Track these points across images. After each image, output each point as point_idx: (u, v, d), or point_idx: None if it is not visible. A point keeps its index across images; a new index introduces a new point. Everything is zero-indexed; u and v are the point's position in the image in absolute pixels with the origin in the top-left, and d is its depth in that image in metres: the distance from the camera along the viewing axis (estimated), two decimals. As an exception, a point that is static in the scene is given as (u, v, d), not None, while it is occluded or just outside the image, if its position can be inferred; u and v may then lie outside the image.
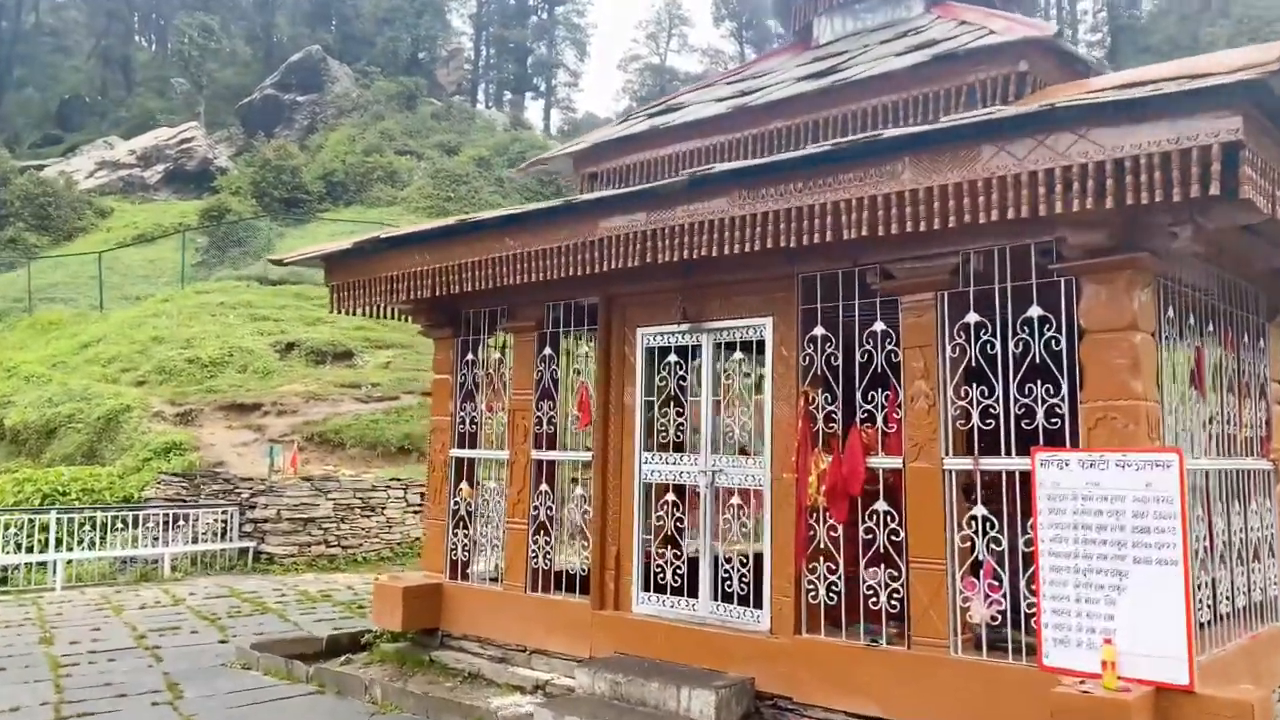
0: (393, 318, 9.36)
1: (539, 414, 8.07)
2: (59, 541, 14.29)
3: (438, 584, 8.52)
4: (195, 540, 15.35)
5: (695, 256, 6.17)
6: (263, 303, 26.96)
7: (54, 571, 13.79)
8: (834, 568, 6.24)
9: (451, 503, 8.64)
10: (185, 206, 42.85)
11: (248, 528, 15.82)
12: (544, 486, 7.99)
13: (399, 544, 16.84)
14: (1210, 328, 6.32)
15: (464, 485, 8.58)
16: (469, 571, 8.60)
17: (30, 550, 14.23)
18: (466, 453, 8.71)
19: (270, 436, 19.65)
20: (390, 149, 46.56)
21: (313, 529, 15.70)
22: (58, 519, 14.29)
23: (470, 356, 8.70)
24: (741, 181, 5.90)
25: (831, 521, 6.25)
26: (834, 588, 6.24)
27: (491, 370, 8.59)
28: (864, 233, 5.45)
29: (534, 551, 7.97)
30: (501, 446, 8.40)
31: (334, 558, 15.87)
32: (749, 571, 6.76)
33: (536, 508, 8.00)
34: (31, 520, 14.28)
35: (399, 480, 17.08)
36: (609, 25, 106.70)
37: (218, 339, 23.80)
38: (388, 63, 58.94)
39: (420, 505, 17.03)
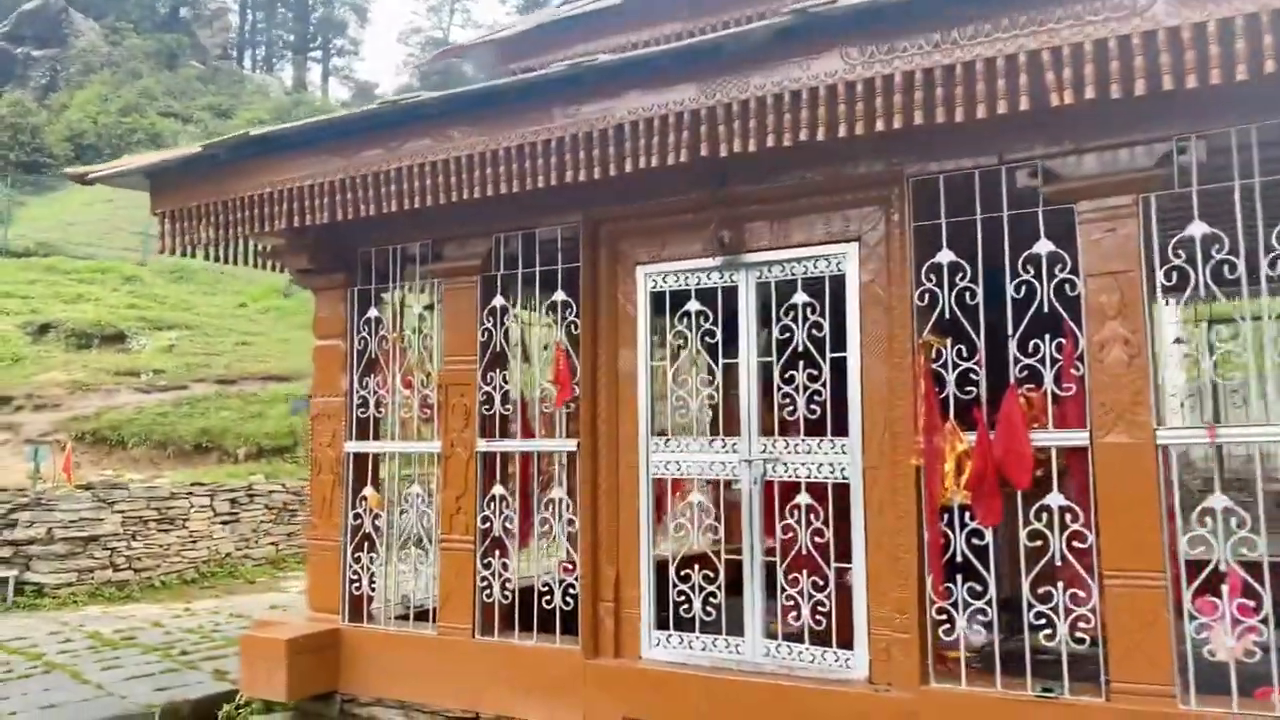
0: (248, 261, 6.74)
1: (487, 389, 5.81)
2: None
3: (333, 630, 6.09)
4: (-69, 572, 11.78)
5: (782, 145, 4.19)
6: (7, 278, 22.50)
7: None
8: (980, 589, 4.42)
9: (349, 516, 6.22)
10: (-108, 170, 36.21)
11: (4, 552, 12.34)
12: (497, 489, 5.75)
13: (206, 562, 13.78)
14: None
15: (369, 491, 6.18)
16: (373, 610, 6.24)
17: None
18: (370, 446, 6.30)
19: (27, 436, 15.93)
20: (152, 110, 41.23)
21: (96, 549, 12.44)
22: None
23: (373, 313, 6.29)
24: (872, 27, 3.96)
25: (973, 525, 4.43)
26: (980, 617, 4.44)
27: (407, 331, 6.23)
28: (1075, 97, 3.65)
29: (485, 580, 5.72)
30: (427, 436, 6.08)
31: (124, 584, 12.67)
32: (828, 598, 4.86)
33: (487, 519, 5.75)
34: None
35: (203, 485, 13.99)
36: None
37: (-54, 319, 19.44)
38: (143, 18, 52.74)
39: (231, 515, 14.09)
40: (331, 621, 6.17)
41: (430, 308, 6.13)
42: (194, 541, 13.66)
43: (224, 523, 14.09)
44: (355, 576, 6.18)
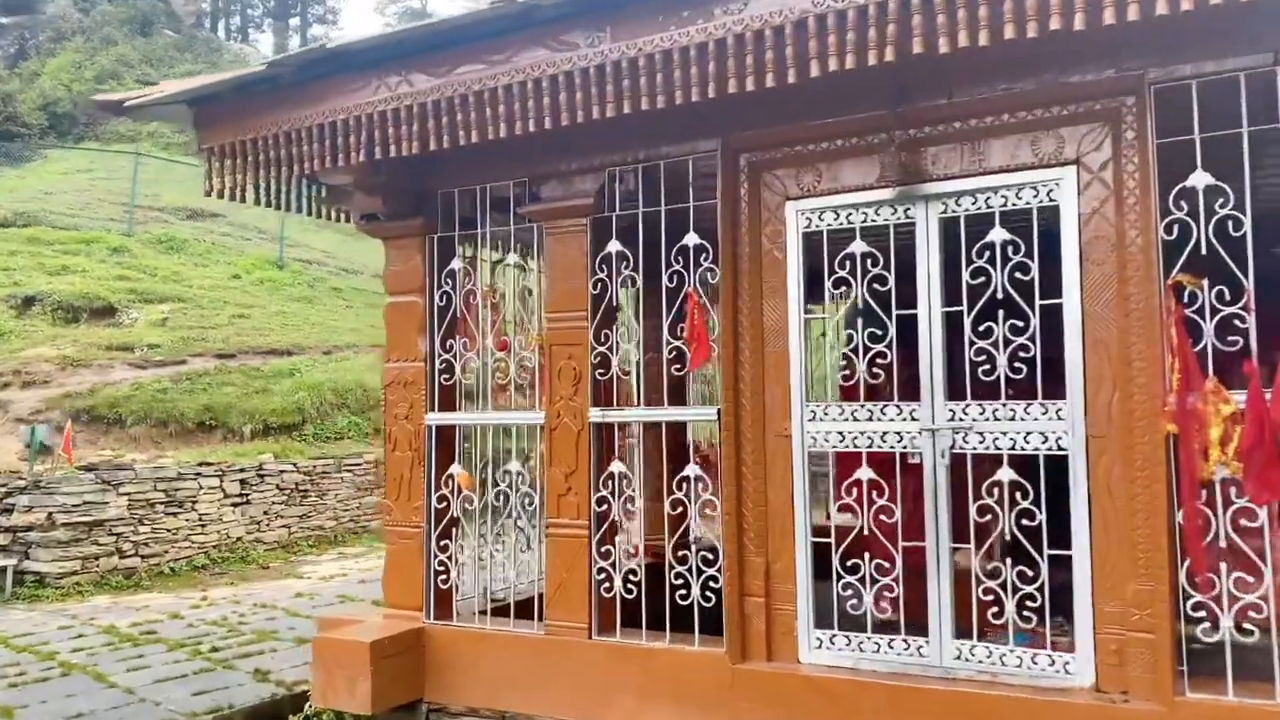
0: (302, 208, 5.84)
1: (601, 349, 4.98)
2: None
3: (416, 629, 5.26)
4: (-79, 562, 10.85)
5: (1002, 40, 3.37)
6: (-16, 248, 21.30)
7: None
8: (1254, 581, 3.66)
9: (433, 498, 5.38)
10: None
11: (1, 539, 11.41)
12: (615, 465, 4.93)
13: (216, 547, 12.90)
14: None
15: (457, 469, 5.34)
16: (460, 606, 5.42)
17: None
18: (456, 418, 5.46)
19: (16, 415, 14.94)
20: (129, 77, 39.69)
21: (101, 535, 11.53)
22: None
23: (456, 264, 5.42)
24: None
25: (1241, 503, 3.66)
26: (1253, 613, 3.67)
27: (499, 284, 5.37)
28: None
29: (603, 570, 4.92)
30: (528, 405, 5.25)
31: (132, 571, 11.78)
32: (1039, 592, 4.08)
33: (604, 500, 4.93)
34: None
35: (211, 465, 13.08)
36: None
37: (-77, 292, 18.31)
38: (114, -17, 50.89)
39: (241, 497, 13.20)
40: (413, 619, 5.34)
41: (527, 256, 5.28)
42: (203, 525, 12.78)
43: (234, 505, 13.21)
44: (441, 567, 5.35)
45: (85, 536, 11.35)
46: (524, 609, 5.20)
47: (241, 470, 13.37)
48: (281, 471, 13.98)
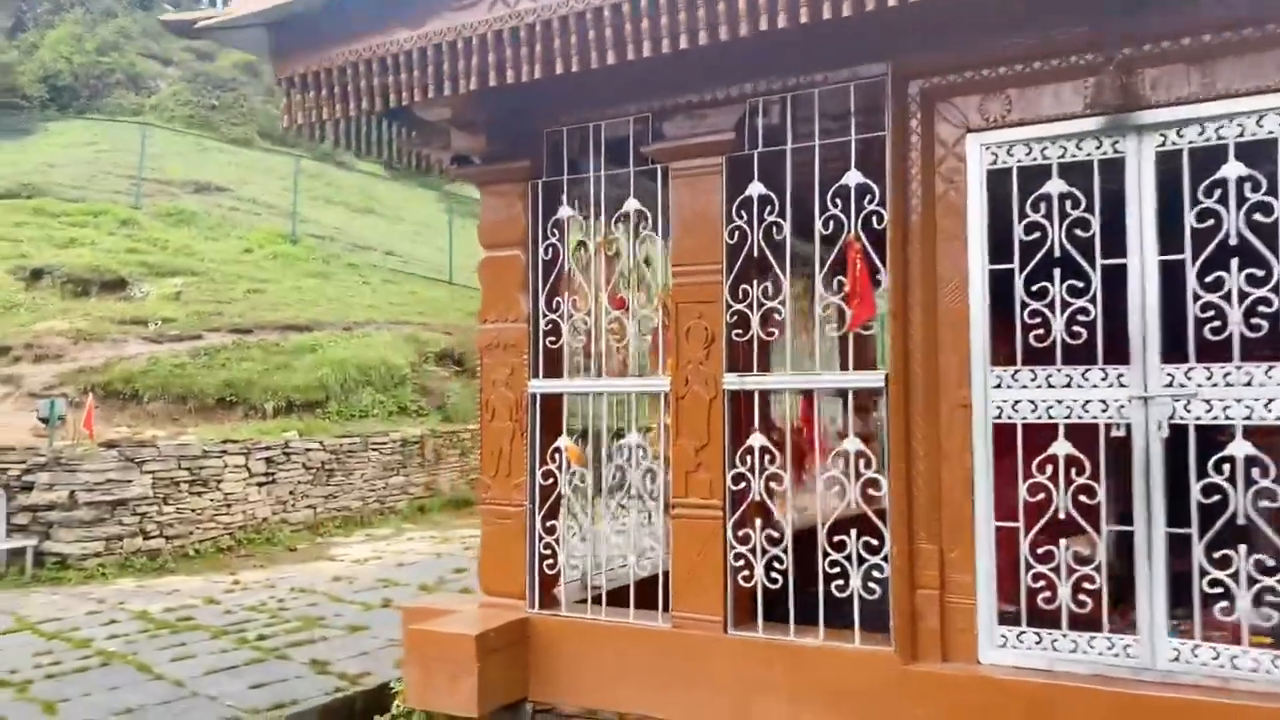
0: (382, 151, 5.20)
1: (738, 307, 4.38)
2: None
3: (520, 620, 4.68)
4: (-65, 543, 10.25)
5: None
6: (-12, 219, 20.62)
7: None
8: None
9: (537, 474, 4.79)
10: None
11: (21, 519, 10.81)
12: (755, 438, 4.34)
13: (242, 528, 12.32)
14: None
15: (566, 443, 4.74)
16: (559, 593, 4.84)
17: None
18: (565, 385, 4.86)
19: (29, 390, 14.33)
20: (131, 49, 38.87)
21: (124, 515, 10.93)
22: None
23: (564, 212, 4.81)
24: None
25: None
26: None
27: (616, 234, 4.75)
28: None
29: (740, 557, 4.34)
30: (649, 370, 4.67)
31: (156, 553, 11.18)
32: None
33: (741, 477, 4.35)
34: None
35: (236, 443, 12.47)
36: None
37: (-73, 263, 17.64)
38: (113, -44, 49.90)
39: (266, 476, 12.60)
40: (513, 609, 4.76)
41: (647, 203, 4.67)
42: (228, 505, 12.19)
43: (259, 484, 12.61)
44: (547, 551, 4.76)
45: (109, 516, 10.75)
46: (619, 597, 4.63)
47: (267, 448, 12.78)
48: (307, 450, 13.39)
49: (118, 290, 18.49)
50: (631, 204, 4.63)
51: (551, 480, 4.77)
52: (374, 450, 14.47)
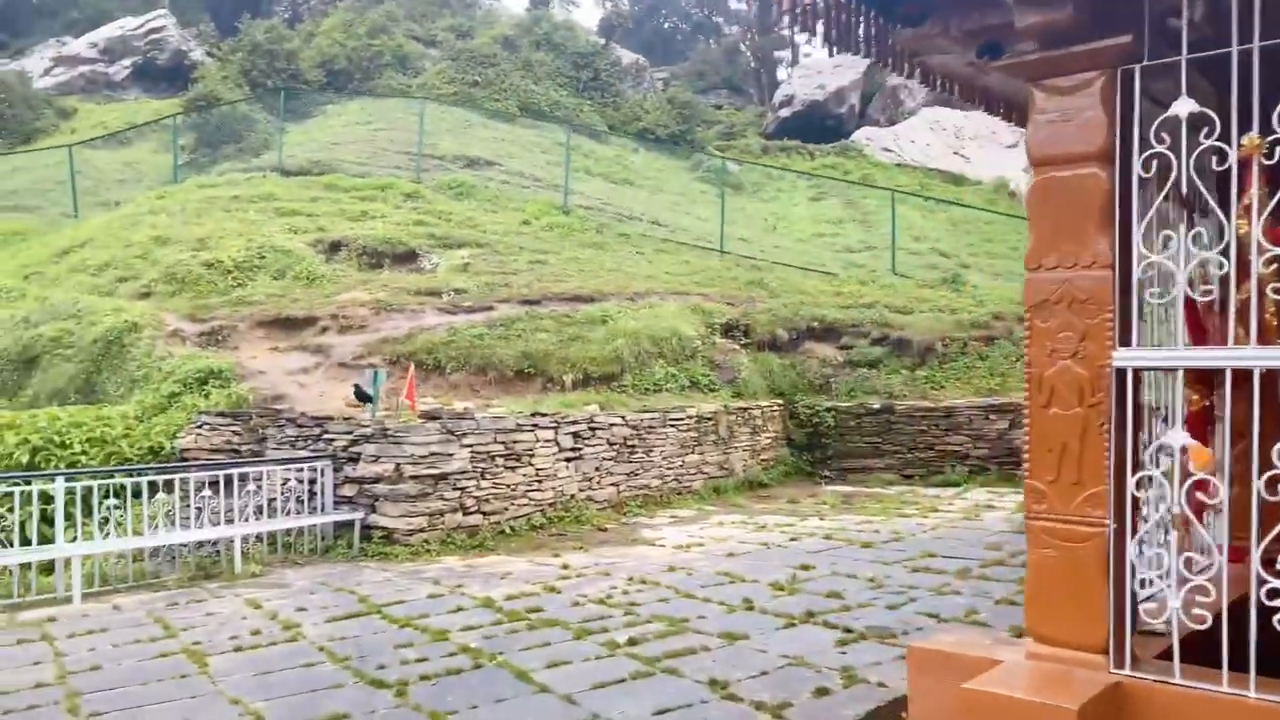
0: (867, 50, 4.05)
1: None
2: (68, 521, 9.09)
3: (1113, 687, 3.41)
4: (270, 512, 10.18)
5: None
6: (288, 195, 21.45)
7: (66, 572, 8.60)
8: None
9: (1129, 483, 3.49)
10: (160, 105, 36.86)
11: (348, 490, 10.65)
12: None
13: (552, 505, 11.78)
14: None
15: (1188, 442, 3.41)
16: (1170, 651, 3.54)
17: (26, 540, 8.98)
18: (1177, 356, 3.56)
19: (339, 359, 14.45)
20: (399, 32, 40.32)
21: (445, 489, 10.56)
22: (67, 488, 9.03)
23: (1182, 108, 3.42)
24: None
25: None
26: None
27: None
28: None
29: None
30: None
31: (476, 530, 10.77)
32: None
33: None
34: (24, 490, 9.00)
35: (545, 416, 11.90)
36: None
37: (240, 238, 18.35)
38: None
39: (574, 451, 11.96)
40: (1086, 665, 3.51)
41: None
42: (539, 481, 11.67)
43: (567, 460, 12.04)
44: (1143, 589, 3.48)
45: (431, 490, 10.39)
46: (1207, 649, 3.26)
47: (574, 423, 12.18)
48: (611, 425, 12.73)
49: (409, 262, 18.68)
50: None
51: (1162, 491, 3.45)
52: (671, 426, 13.68)
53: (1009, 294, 19.63)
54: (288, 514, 10.27)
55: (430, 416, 10.64)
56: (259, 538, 10.10)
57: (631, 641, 6.66)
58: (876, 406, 15.69)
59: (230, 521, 9.80)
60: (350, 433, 10.74)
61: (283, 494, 10.26)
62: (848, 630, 6.85)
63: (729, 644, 6.58)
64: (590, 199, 25.29)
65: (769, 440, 15.61)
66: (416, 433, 10.32)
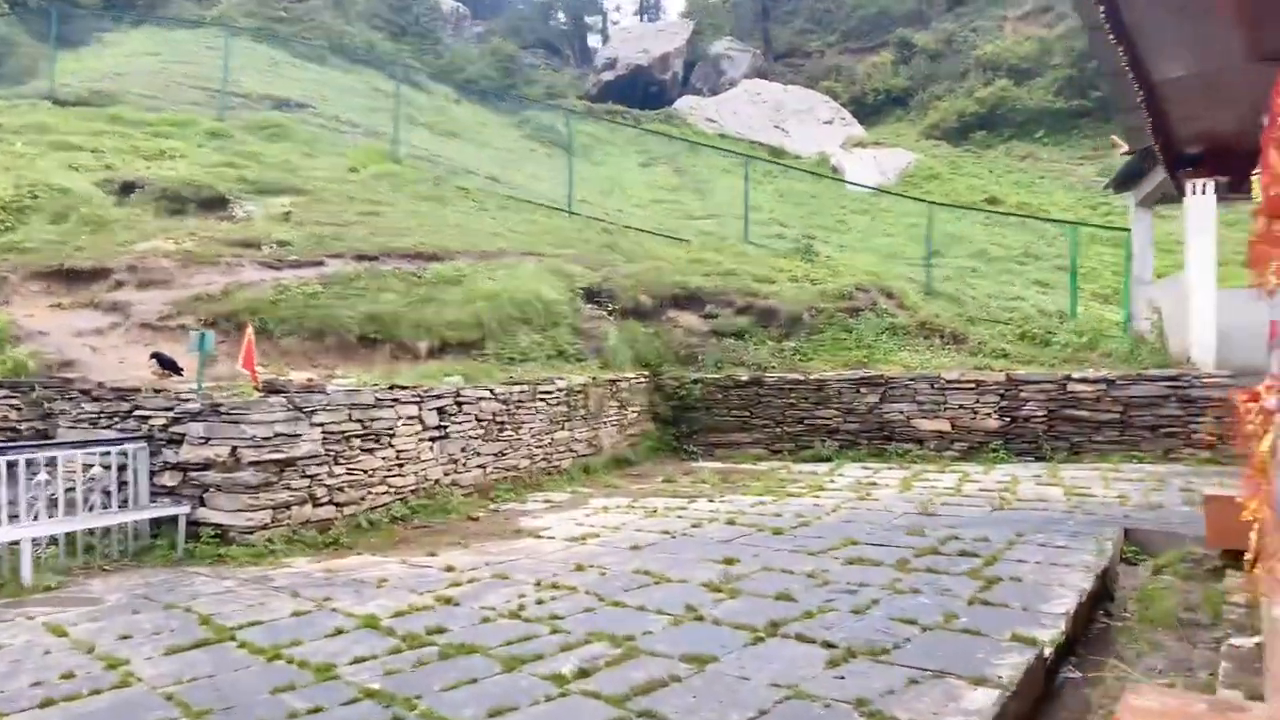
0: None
1: None
2: None
3: None
4: (68, 508, 8.12)
5: None
6: (66, 126, 18.40)
7: None
8: None
9: None
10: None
11: (169, 479, 8.68)
12: None
13: (414, 492, 10.19)
14: None
15: None
16: None
17: None
18: None
19: (140, 319, 12.22)
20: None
21: (293, 477, 8.77)
22: None
23: None
24: None
25: None
26: None
27: None
28: None
29: None
30: None
31: (328, 524, 9.06)
32: None
33: None
34: None
35: (405, 389, 10.25)
36: None
37: (7, 173, 15.41)
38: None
39: (439, 429, 10.47)
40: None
41: None
42: (400, 465, 10.05)
43: (432, 440, 10.46)
44: None
45: (276, 479, 8.60)
46: None
47: (439, 397, 10.59)
48: (480, 399, 11.20)
49: (218, 208, 16.30)
50: None
51: None
52: (541, 400, 12.29)
53: (863, 265, 19.29)
54: (91, 509, 8.24)
55: (273, 390, 8.82)
56: (54, 540, 8.03)
57: (582, 673, 5.31)
58: (745, 379, 14.84)
59: (15, 519, 7.71)
60: (170, 409, 8.77)
61: (84, 485, 8.21)
62: (828, 645, 5.76)
63: (699, 670, 5.35)
64: (419, 149, 23.29)
65: (635, 415, 14.48)
66: (257, 409, 8.49)
